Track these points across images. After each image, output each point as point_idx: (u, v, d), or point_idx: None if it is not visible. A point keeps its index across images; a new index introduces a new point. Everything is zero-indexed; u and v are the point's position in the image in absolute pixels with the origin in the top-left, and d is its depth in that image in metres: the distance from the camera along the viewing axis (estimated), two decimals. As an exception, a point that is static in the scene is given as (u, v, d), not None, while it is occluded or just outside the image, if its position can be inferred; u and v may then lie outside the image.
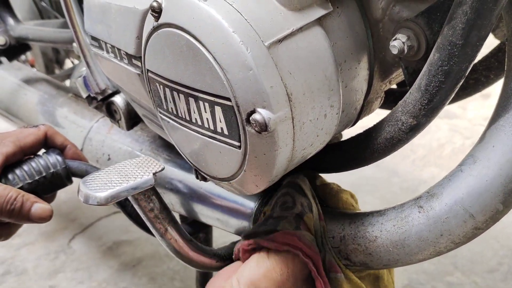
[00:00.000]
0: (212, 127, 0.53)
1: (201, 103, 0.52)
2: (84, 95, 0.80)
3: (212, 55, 0.48)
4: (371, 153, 0.61)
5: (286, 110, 0.48)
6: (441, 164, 1.69)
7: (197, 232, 0.84)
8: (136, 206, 0.63)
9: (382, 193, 1.58)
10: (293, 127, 0.50)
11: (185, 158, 0.62)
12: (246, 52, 0.46)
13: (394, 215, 0.58)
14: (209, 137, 0.54)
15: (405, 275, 1.25)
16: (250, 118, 0.48)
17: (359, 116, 0.62)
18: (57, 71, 1.49)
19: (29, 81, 1.14)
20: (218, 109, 0.51)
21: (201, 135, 0.55)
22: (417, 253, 0.56)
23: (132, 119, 0.79)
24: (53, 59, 1.46)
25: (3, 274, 1.43)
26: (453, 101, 0.78)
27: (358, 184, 1.63)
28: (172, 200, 0.80)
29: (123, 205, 0.74)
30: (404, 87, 0.81)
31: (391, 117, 0.56)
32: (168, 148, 0.84)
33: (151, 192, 0.62)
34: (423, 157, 1.73)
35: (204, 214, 0.76)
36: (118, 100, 0.78)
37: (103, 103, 0.79)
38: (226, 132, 0.52)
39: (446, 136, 1.80)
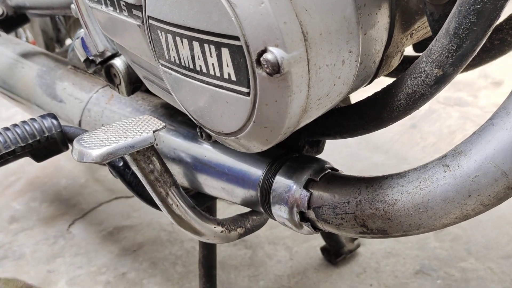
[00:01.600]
0: (218, 74, 0.48)
1: (206, 46, 0.47)
2: (82, 58, 0.75)
3: (219, -12, 0.43)
4: (390, 112, 0.56)
5: (301, 50, 0.43)
6: (452, 151, 1.63)
7: (200, 205, 0.79)
8: (134, 168, 0.58)
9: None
10: (308, 71, 0.45)
11: (189, 115, 0.57)
12: (257, -16, 0.42)
13: (416, 176, 0.53)
14: (215, 86, 0.49)
15: (416, 261, 1.20)
16: (261, 59, 0.43)
17: (377, 72, 0.57)
18: (57, 51, 1.45)
19: (26, 55, 1.10)
20: (225, 52, 0.46)
21: (206, 84, 0.50)
22: (441, 216, 0.51)
23: (133, 84, 0.74)
24: (54, 38, 1.42)
25: (0, 259, 1.38)
26: (476, 65, 0.74)
27: (367, 171, 1.58)
28: (174, 171, 0.75)
29: (122, 173, 0.70)
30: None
31: (413, 69, 0.51)
32: (170, 117, 0.79)
33: (151, 152, 0.57)
34: (433, 144, 1.68)
35: (208, 184, 0.71)
36: (118, 62, 0.73)
37: (102, 66, 0.74)
38: (233, 78, 0.47)
39: (457, 124, 1.75)
